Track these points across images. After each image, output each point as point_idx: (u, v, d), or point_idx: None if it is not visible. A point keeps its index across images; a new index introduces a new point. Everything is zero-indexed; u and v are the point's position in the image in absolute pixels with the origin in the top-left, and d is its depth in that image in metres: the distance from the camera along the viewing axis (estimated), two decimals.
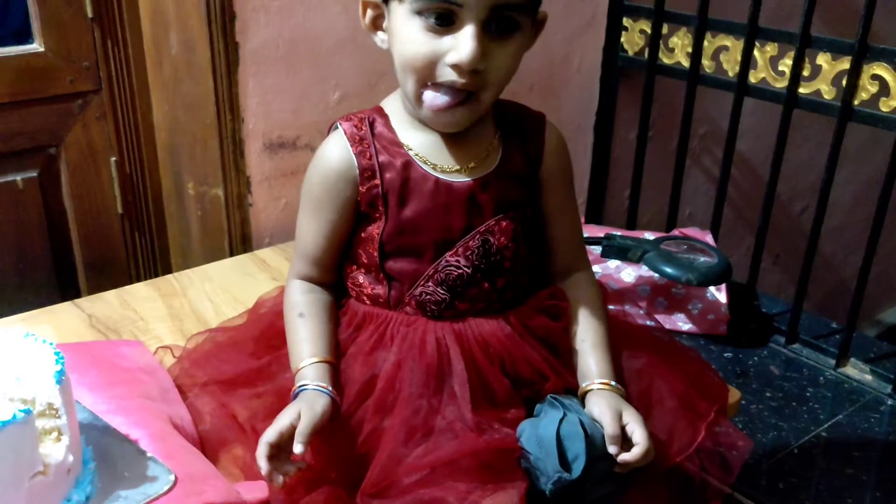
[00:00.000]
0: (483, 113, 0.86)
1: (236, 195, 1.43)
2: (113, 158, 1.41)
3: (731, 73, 1.69)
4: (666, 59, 1.79)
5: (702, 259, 1.64)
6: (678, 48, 1.77)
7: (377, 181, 0.87)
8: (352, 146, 0.87)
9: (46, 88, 1.31)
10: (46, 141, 1.34)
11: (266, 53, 1.39)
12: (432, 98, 0.82)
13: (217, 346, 1.01)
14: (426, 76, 0.82)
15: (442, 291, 0.88)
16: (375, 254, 0.89)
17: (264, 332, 1.00)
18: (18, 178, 1.33)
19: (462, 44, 0.78)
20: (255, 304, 1.10)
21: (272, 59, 1.40)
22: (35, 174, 1.35)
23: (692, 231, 1.80)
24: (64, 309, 1.25)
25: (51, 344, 0.76)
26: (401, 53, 0.83)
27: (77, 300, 1.27)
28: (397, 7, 0.82)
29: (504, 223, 0.89)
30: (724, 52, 1.70)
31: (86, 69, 1.34)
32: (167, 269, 1.51)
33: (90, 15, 1.31)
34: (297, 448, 0.79)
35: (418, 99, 0.84)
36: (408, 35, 0.82)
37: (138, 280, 1.47)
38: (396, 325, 0.89)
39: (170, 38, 1.35)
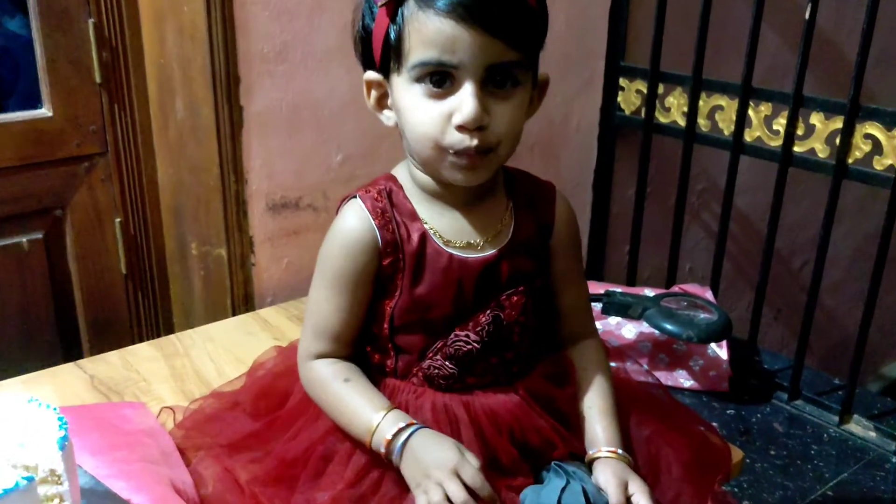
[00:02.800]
0: (500, 164, 0.87)
1: (239, 255, 1.44)
2: (118, 220, 1.42)
3: (726, 132, 1.72)
4: (662, 118, 1.83)
5: (702, 316, 1.65)
6: (674, 107, 1.80)
7: (399, 255, 0.87)
8: (374, 219, 0.87)
9: (54, 152, 1.34)
10: (52, 203, 1.36)
11: (270, 116, 1.42)
12: (451, 165, 0.83)
13: (218, 409, 1.01)
14: (437, 141, 0.82)
15: (450, 366, 0.88)
16: (386, 327, 0.89)
17: (264, 394, 1.00)
18: (24, 239, 1.35)
19: (463, 103, 0.79)
20: (252, 366, 1.11)
21: (276, 121, 1.43)
22: (40, 236, 1.36)
23: (692, 287, 1.81)
24: (66, 370, 1.25)
25: (54, 409, 0.77)
26: (409, 123, 0.84)
27: (79, 361, 1.27)
28: (397, 80, 0.84)
29: (515, 297, 0.89)
30: (720, 112, 1.73)
31: (93, 133, 1.36)
32: (170, 329, 1.51)
33: (98, 80, 1.34)
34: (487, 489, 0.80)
35: (436, 167, 0.85)
36: (411, 103, 0.83)
37: (141, 340, 1.48)
38: (403, 394, 0.89)
39: (175, 102, 1.38)
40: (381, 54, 0.84)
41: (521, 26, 0.80)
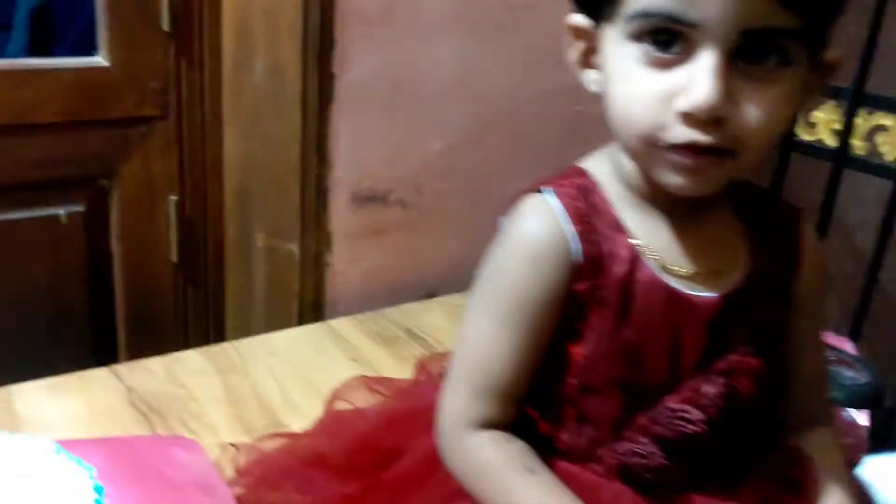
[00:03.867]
0: (740, 175, 0.61)
1: (313, 252, 1.20)
2: (173, 198, 1.19)
3: (890, 157, 1.45)
4: (806, 136, 1.56)
5: (847, 374, 1.38)
6: (821, 123, 1.54)
7: (603, 280, 0.62)
8: (574, 224, 0.63)
9: (106, 110, 1.11)
10: (98, 171, 1.13)
11: (364, 89, 1.18)
12: (667, 163, 0.59)
13: (295, 459, 0.77)
14: (649, 131, 0.58)
15: (660, 453, 0.62)
16: (570, 382, 0.63)
17: (361, 448, 0.75)
18: (62, 211, 1.12)
19: (696, 80, 0.55)
20: (331, 398, 0.88)
21: (370, 97, 1.19)
22: (81, 209, 1.13)
23: (828, 336, 1.54)
24: (99, 377, 1.02)
25: (89, 471, 0.53)
26: (614, 97, 0.60)
27: (115, 366, 1.04)
28: (609, 32, 0.60)
29: (752, 360, 0.63)
30: (883, 133, 1.46)
31: (153, 91, 1.13)
32: (221, 333, 1.28)
33: (166, 28, 1.11)
34: None
35: (646, 163, 0.61)
36: (622, 70, 0.59)
37: (185, 342, 1.24)
38: (584, 489, 0.62)
39: (255, 63, 1.14)
40: None
41: None
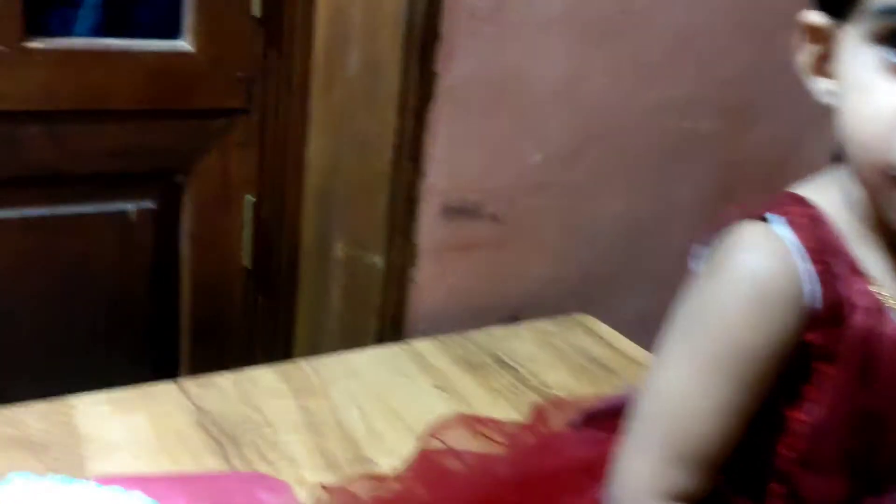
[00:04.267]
0: None
1: (398, 266, 1.10)
2: (249, 198, 1.09)
3: None
4: None
5: None
6: None
7: (841, 331, 0.51)
8: (813, 263, 0.52)
9: (186, 99, 1.01)
10: (173, 165, 1.04)
11: (465, 91, 1.07)
12: None
13: None
14: (882, 158, 0.48)
15: None
16: (788, 454, 0.52)
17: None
18: (131, 207, 1.02)
19: None
20: (425, 436, 0.78)
21: (471, 99, 1.08)
22: (152, 205, 1.04)
23: None
24: (164, 393, 0.92)
25: None
26: (847, 113, 0.50)
27: (182, 381, 0.94)
28: (850, 32, 0.50)
29: None
30: None
31: (238, 82, 1.03)
32: (288, 346, 1.17)
33: (258, 14, 1.01)
34: None
35: (875, 196, 0.50)
36: (856, 79, 0.49)
37: (253, 354, 1.14)
38: None
39: (349, 56, 1.04)
40: None
41: None
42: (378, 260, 1.09)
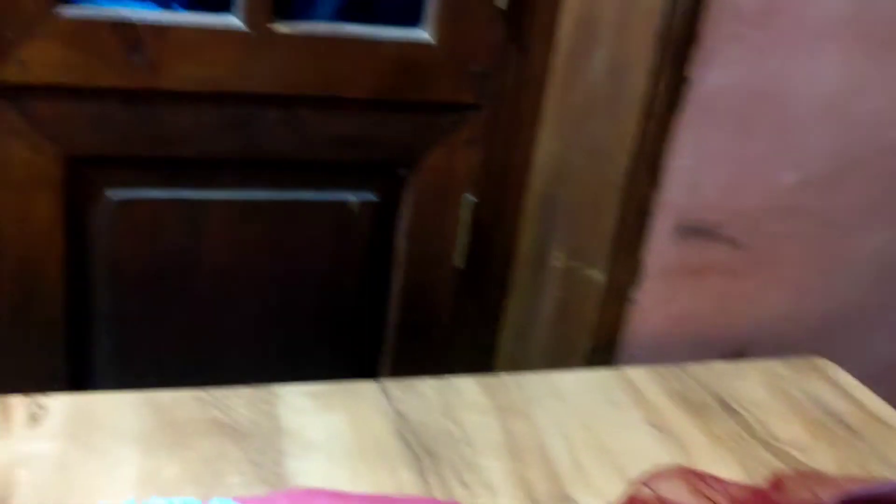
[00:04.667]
0: None
1: (620, 283, 1.01)
2: (469, 197, 1.05)
3: None
4: None
5: None
6: None
7: None
8: None
9: (421, 91, 0.98)
10: (398, 158, 1.01)
11: (719, 101, 0.96)
12: None
13: None
14: None
15: None
16: None
17: None
18: (353, 198, 1.01)
19: None
20: (636, 484, 0.71)
21: (723, 110, 0.97)
22: (374, 198, 1.02)
23: None
24: (365, 391, 0.90)
25: None
26: None
27: (386, 383, 0.91)
28: None
29: None
30: None
31: (474, 76, 0.99)
32: (489, 355, 1.12)
33: (502, 6, 0.96)
34: None
35: None
36: None
37: (455, 357, 1.10)
38: None
39: (594, 56, 0.97)
40: None
41: None
42: (598, 274, 1.01)
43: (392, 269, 1.06)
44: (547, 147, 1.03)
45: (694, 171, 0.99)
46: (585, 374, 1.01)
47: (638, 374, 1.01)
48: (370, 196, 1.01)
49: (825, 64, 0.98)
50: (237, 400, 0.85)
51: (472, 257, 1.08)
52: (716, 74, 0.94)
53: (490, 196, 1.06)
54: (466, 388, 0.94)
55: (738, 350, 1.12)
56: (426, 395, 0.91)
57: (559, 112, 1.01)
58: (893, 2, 0.97)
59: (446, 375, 0.94)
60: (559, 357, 1.05)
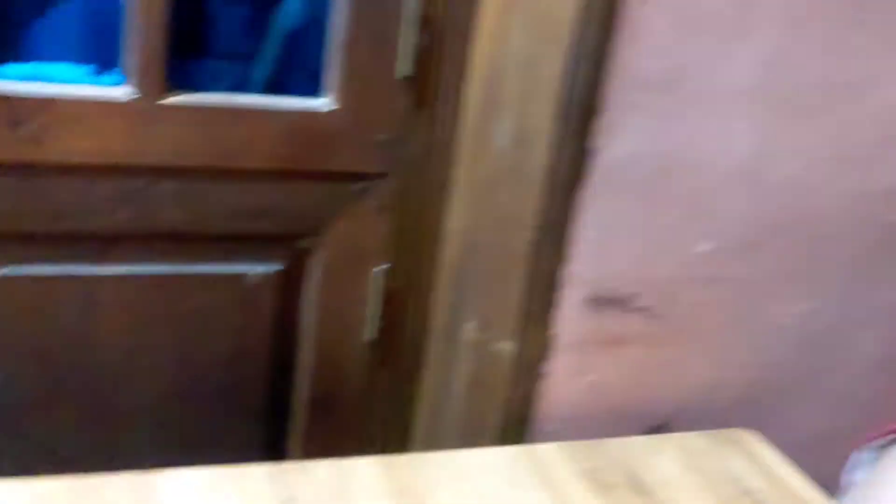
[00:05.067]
0: None
1: (531, 356, 0.99)
2: (378, 268, 1.02)
3: None
4: None
5: None
6: None
7: None
8: None
9: (324, 160, 0.95)
10: (302, 229, 0.98)
11: (625, 170, 0.95)
12: None
13: None
14: None
15: None
16: None
17: None
18: (254, 269, 0.98)
19: None
20: None
21: (631, 179, 0.95)
22: (276, 270, 0.99)
23: None
24: (257, 476, 0.85)
25: None
26: None
27: (280, 466, 0.87)
28: None
29: None
30: None
31: (379, 144, 0.97)
32: (406, 429, 1.08)
33: (404, 73, 0.94)
34: None
35: None
36: None
37: (369, 433, 1.07)
38: None
39: (499, 125, 0.95)
40: None
41: None
42: (508, 347, 0.99)
43: (300, 344, 1.03)
44: (458, 216, 1.01)
45: (603, 243, 0.97)
46: (494, 453, 0.97)
47: (549, 452, 0.97)
48: (273, 268, 0.99)
49: (735, 131, 0.97)
50: (113, 487, 0.81)
51: (383, 330, 1.05)
52: (621, 144, 0.93)
53: (401, 266, 1.03)
54: (365, 471, 0.90)
55: (661, 423, 1.09)
56: (321, 478, 0.87)
57: (468, 181, 0.98)
58: (800, 70, 0.97)
59: (351, 456, 0.91)
60: (471, 433, 1.02)
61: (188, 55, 1.03)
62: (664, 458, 1.00)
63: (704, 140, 0.96)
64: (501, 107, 0.94)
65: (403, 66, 0.95)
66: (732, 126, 0.97)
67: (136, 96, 0.87)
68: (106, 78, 1.00)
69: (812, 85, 0.98)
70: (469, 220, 1.00)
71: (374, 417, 1.07)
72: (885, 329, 1.13)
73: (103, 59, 1.00)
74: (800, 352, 1.11)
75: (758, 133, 0.98)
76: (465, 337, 1.03)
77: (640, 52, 0.89)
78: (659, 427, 1.08)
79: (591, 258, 0.97)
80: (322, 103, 0.95)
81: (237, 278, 0.97)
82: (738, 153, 0.98)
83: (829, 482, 0.96)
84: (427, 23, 0.93)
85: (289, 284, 1.00)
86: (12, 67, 1.00)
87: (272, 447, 1.05)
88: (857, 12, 0.97)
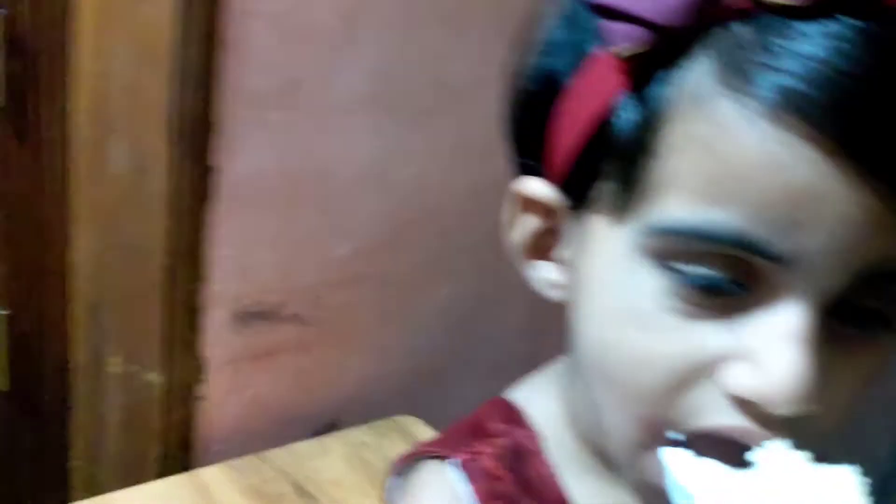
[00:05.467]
0: None
1: (181, 383, 0.96)
2: (1, 312, 0.94)
3: None
4: None
5: None
6: None
7: None
8: None
9: None
10: None
11: (254, 185, 0.95)
12: (667, 461, 0.37)
13: None
14: (660, 413, 0.37)
15: None
16: None
17: None
18: None
19: (773, 351, 0.34)
20: None
21: (262, 194, 0.96)
22: None
23: None
24: None
25: None
26: (605, 340, 0.38)
27: None
28: (602, 229, 0.38)
29: None
30: None
31: None
32: (63, 477, 1.01)
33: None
34: None
35: (633, 454, 0.39)
36: (631, 303, 0.37)
37: (20, 488, 0.98)
38: None
39: (113, 148, 0.91)
40: (580, 159, 0.38)
41: None
42: (157, 377, 0.95)
43: None
44: (84, 249, 0.95)
45: (241, 259, 0.97)
46: (154, 487, 0.94)
47: (212, 475, 0.96)
48: None
49: (357, 136, 1.01)
50: None
51: (18, 377, 0.97)
52: (244, 160, 0.93)
53: (26, 309, 0.95)
54: None
55: (330, 422, 1.12)
56: None
57: (89, 211, 0.93)
58: (411, 75, 1.03)
59: None
60: (133, 470, 0.98)
61: None
62: (330, 458, 1.03)
63: (327, 148, 0.99)
64: (113, 132, 0.90)
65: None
66: (353, 132, 1.01)
67: None
68: None
69: (424, 88, 1.05)
70: (96, 251, 0.95)
71: (26, 472, 0.99)
72: (520, 302, 1.24)
73: None
74: (449, 334, 1.19)
75: (379, 137, 1.03)
76: (111, 372, 0.98)
77: (249, 69, 0.90)
78: (328, 427, 1.10)
79: (231, 275, 0.96)
80: None
81: None
82: (362, 158, 1.02)
83: None
84: (16, 48, 0.86)
85: None
86: None
87: None
88: (458, 19, 1.05)
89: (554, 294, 0.42)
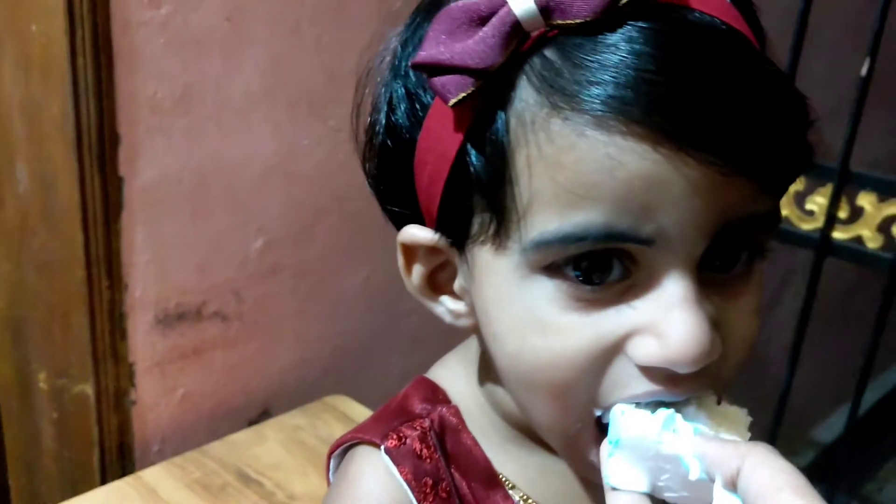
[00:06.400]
0: None
1: (112, 390, 0.98)
2: None
3: None
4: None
5: None
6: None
7: None
8: (414, 491, 0.46)
9: None
10: None
11: (164, 191, 0.97)
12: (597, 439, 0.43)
13: None
14: (585, 405, 0.42)
15: None
16: None
17: None
18: None
19: (668, 320, 0.39)
20: None
21: (172, 198, 0.98)
22: None
23: None
24: None
25: None
26: (514, 355, 0.43)
27: None
28: (487, 258, 0.42)
29: None
30: None
31: None
32: (3, 498, 1.03)
33: None
34: None
35: (561, 439, 0.45)
36: (533, 314, 0.41)
37: None
38: None
39: (16, 169, 0.92)
40: (447, 201, 0.43)
41: (789, 139, 0.40)
42: (87, 388, 0.97)
43: None
44: None
45: (159, 263, 0.99)
46: (98, 493, 0.96)
47: (155, 475, 0.99)
48: None
49: (257, 133, 1.04)
50: None
51: None
52: (150, 167, 0.95)
53: None
54: None
55: (263, 411, 1.16)
56: None
57: (1, 231, 0.94)
58: (303, 70, 1.06)
59: None
60: (74, 482, 0.99)
61: None
62: (268, 444, 1.06)
63: (230, 148, 1.02)
64: (16, 151, 0.91)
65: None
66: (253, 129, 1.04)
67: None
68: None
69: (317, 79, 1.09)
70: (12, 270, 0.96)
71: None
72: None
73: None
74: (369, 314, 1.24)
75: (279, 131, 1.06)
76: (41, 388, 0.99)
77: (144, 77, 0.92)
78: (261, 415, 1.14)
79: (150, 280, 0.99)
80: None
81: None
82: (265, 153, 1.06)
83: None
84: None
85: None
86: None
87: None
88: (342, 8, 1.09)
89: (462, 323, 0.47)
